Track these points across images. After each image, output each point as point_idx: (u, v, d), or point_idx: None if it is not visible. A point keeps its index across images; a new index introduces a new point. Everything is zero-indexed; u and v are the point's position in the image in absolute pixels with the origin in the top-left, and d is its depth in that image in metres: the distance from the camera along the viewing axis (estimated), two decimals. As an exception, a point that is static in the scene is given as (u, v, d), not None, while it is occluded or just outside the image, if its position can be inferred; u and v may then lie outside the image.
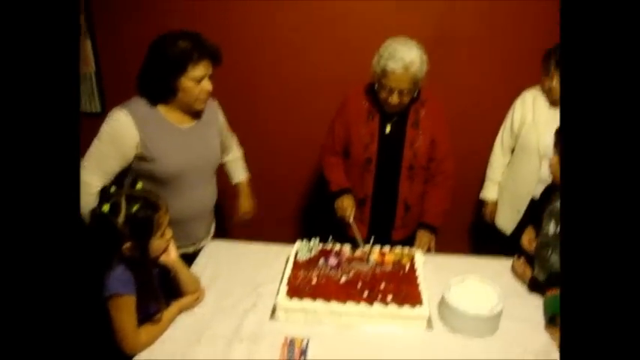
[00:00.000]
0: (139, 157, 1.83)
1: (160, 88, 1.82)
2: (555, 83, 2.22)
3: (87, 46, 2.80)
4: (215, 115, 2.09)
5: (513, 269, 2.00)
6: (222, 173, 2.27)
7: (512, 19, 2.70)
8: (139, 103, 1.84)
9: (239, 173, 2.36)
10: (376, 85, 2.09)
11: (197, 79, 1.79)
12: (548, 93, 2.27)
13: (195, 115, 1.94)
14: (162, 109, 1.86)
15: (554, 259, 1.86)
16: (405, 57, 1.94)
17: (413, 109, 2.13)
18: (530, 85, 2.40)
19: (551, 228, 1.89)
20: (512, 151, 2.48)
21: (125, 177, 1.90)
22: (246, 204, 2.35)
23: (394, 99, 2.01)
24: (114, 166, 1.83)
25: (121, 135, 1.79)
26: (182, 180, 1.88)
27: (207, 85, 1.83)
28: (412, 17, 2.66)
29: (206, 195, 2.05)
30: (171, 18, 2.70)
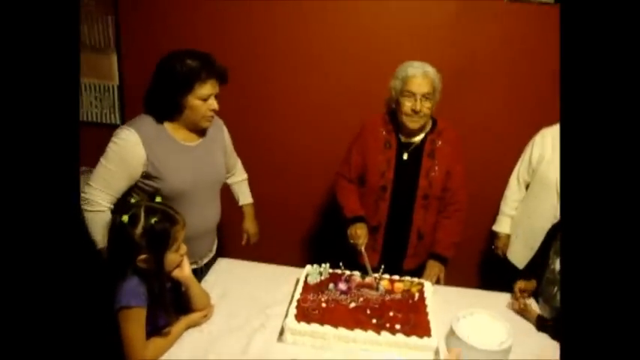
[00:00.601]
0: (146, 175, 1.83)
1: (167, 105, 1.83)
2: None
3: (112, 61, 2.88)
4: (221, 133, 2.11)
5: (512, 308, 2.00)
6: (226, 192, 2.30)
7: (531, 55, 2.74)
8: (146, 121, 1.85)
9: (245, 196, 2.41)
10: (396, 105, 2.14)
11: (204, 98, 1.81)
12: None
13: (201, 132, 1.96)
14: (168, 127, 1.87)
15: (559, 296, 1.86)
16: (421, 65, 2.11)
17: (429, 140, 2.17)
18: (546, 120, 2.42)
19: (558, 265, 1.89)
20: (527, 186, 2.49)
21: (129, 195, 1.90)
22: (251, 227, 2.40)
23: (418, 105, 2.06)
24: (121, 185, 1.83)
25: (127, 153, 1.79)
26: (188, 197, 1.88)
27: (213, 103, 1.85)
28: (430, 48, 2.70)
29: (211, 213, 2.06)
30: (192, 34, 2.78)
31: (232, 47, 2.83)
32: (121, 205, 1.60)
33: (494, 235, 2.65)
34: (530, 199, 2.46)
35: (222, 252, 2.29)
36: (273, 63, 2.91)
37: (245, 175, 2.42)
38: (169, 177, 1.83)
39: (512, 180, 2.55)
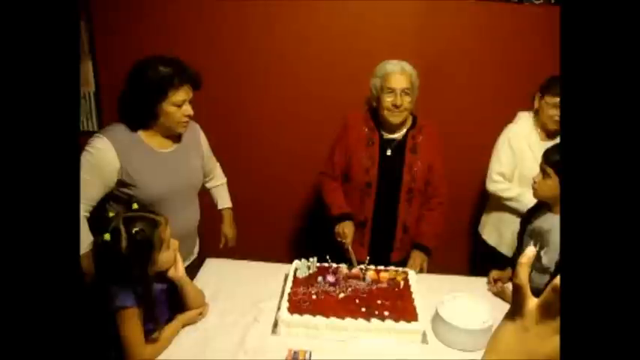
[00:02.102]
0: (120, 183, 1.84)
1: (140, 113, 1.83)
2: (555, 111, 2.31)
3: (88, 66, 2.87)
4: (197, 137, 2.12)
5: (491, 291, 2.12)
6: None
7: (500, 50, 2.87)
8: (119, 130, 1.85)
9: (223, 200, 2.42)
10: (377, 102, 2.22)
11: (178, 104, 1.82)
12: (548, 122, 2.35)
13: (176, 138, 1.96)
14: (142, 134, 1.87)
15: (533, 276, 1.96)
16: (399, 62, 2.20)
17: (411, 135, 2.26)
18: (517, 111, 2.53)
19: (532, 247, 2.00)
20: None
21: (106, 202, 1.91)
22: (230, 232, 2.43)
23: (398, 100, 2.14)
24: (96, 193, 1.84)
25: (101, 162, 1.79)
26: (165, 203, 1.87)
27: (187, 109, 1.86)
28: (401, 47, 2.78)
29: (189, 216, 2.07)
30: (167, 39, 2.80)
31: (209, 50, 2.87)
32: (99, 223, 1.61)
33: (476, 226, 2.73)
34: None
35: (211, 253, 2.34)
36: (248, 65, 2.94)
37: (224, 179, 2.43)
38: (144, 184, 1.85)
39: (494, 176, 2.52)
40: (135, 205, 1.67)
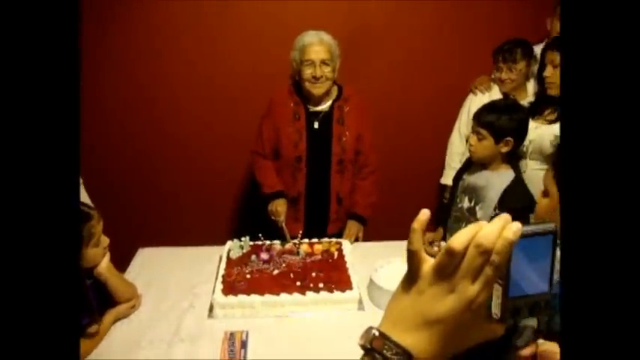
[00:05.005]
0: None
1: None
2: (504, 75, 2.39)
3: None
4: None
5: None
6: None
7: (425, 17, 2.89)
8: None
9: None
10: (299, 75, 2.20)
11: None
12: (499, 84, 2.46)
13: None
14: None
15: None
16: (316, 33, 2.19)
17: (337, 107, 2.25)
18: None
19: (465, 203, 2.06)
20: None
21: None
22: None
23: (318, 71, 2.13)
24: None
25: None
26: None
27: None
28: (324, 19, 2.75)
29: None
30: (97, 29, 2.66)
31: (131, 30, 2.75)
32: None
33: (442, 188, 2.78)
34: None
35: (144, 241, 2.28)
36: (178, 43, 2.86)
37: None
38: None
39: (454, 134, 2.69)
40: None
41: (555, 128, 2.08)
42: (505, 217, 0.48)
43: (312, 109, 2.26)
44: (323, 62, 2.13)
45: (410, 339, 0.51)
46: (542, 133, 2.12)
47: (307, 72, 2.14)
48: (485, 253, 0.47)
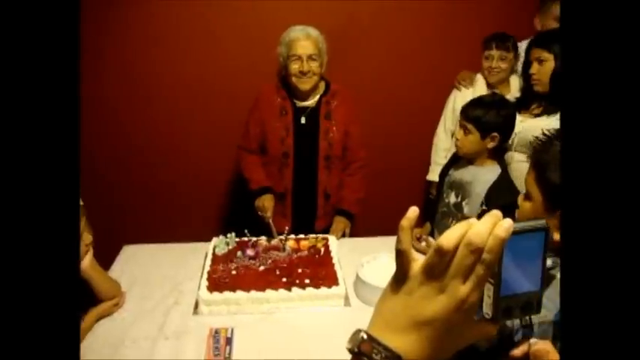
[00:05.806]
0: None
1: None
2: (494, 63, 2.39)
3: None
4: None
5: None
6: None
7: (412, 11, 2.88)
8: None
9: None
10: (285, 70, 2.18)
11: None
12: (487, 74, 2.44)
13: None
14: None
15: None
16: (303, 27, 2.16)
17: (324, 102, 2.23)
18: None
19: (452, 198, 2.06)
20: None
21: None
22: None
23: (305, 66, 2.11)
24: None
25: None
26: None
27: None
28: (310, 14, 2.74)
29: None
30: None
31: (120, 29, 2.71)
32: None
33: (429, 184, 2.77)
34: None
35: (129, 239, 2.26)
36: (157, 51, 2.83)
37: None
38: None
39: (440, 130, 2.68)
40: None
41: (541, 121, 2.09)
42: (496, 213, 0.47)
43: (299, 104, 2.24)
44: (310, 57, 2.11)
45: (399, 341, 0.50)
46: (529, 126, 2.13)
47: (294, 67, 2.12)
48: (477, 251, 0.46)
